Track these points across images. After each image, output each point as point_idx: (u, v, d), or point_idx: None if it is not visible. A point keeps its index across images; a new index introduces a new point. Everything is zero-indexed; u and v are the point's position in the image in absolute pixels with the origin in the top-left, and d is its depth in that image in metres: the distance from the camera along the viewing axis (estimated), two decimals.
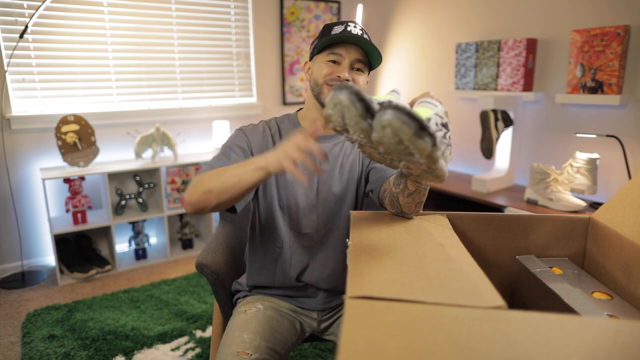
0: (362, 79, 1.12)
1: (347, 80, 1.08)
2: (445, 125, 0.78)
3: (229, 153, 1.09)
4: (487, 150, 2.30)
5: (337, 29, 1.09)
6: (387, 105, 0.66)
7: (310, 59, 1.17)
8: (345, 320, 0.50)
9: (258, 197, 1.17)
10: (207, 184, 0.93)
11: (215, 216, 2.91)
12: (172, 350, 1.80)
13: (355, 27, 1.10)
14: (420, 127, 0.64)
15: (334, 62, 1.09)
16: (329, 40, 1.07)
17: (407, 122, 0.63)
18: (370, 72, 1.17)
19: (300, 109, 1.24)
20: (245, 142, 1.12)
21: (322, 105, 1.13)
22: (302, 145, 0.81)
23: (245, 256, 1.30)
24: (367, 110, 0.70)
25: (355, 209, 1.19)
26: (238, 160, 1.07)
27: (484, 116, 2.28)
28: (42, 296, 2.27)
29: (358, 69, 1.11)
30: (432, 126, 0.74)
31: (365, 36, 1.10)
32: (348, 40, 1.07)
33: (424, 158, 0.68)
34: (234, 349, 1.00)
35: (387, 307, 0.54)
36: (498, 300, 0.55)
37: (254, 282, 1.22)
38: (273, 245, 1.17)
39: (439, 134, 0.74)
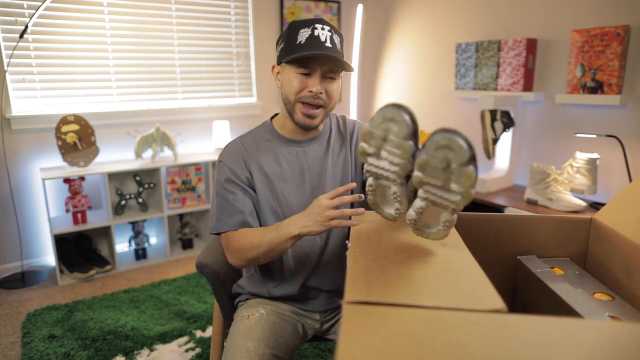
0: (335, 87, 1.09)
1: (320, 93, 1.05)
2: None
3: (231, 198, 1.10)
4: (485, 150, 2.29)
5: (304, 34, 1.03)
6: (445, 129, 0.64)
7: (278, 62, 1.12)
8: (342, 326, 0.50)
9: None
10: (250, 254, 1.04)
11: None
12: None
13: (323, 28, 1.04)
14: (473, 156, 0.63)
15: (304, 73, 1.06)
16: (297, 55, 1.02)
17: (464, 147, 0.62)
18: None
19: (276, 114, 1.21)
20: (233, 176, 1.11)
21: (294, 121, 1.11)
22: (332, 204, 0.92)
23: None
24: (415, 134, 0.69)
25: (351, 207, 1.18)
26: (243, 199, 1.10)
27: (481, 116, 2.28)
28: (42, 296, 2.27)
29: (330, 77, 1.07)
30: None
31: (335, 37, 1.06)
32: (317, 55, 1.02)
33: (461, 191, 0.64)
34: (238, 358, 1.00)
35: (385, 312, 0.53)
36: (498, 302, 0.55)
37: (256, 293, 1.21)
38: (272, 260, 1.16)
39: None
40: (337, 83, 1.10)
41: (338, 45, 1.07)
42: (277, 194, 1.12)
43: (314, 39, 1.03)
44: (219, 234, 1.11)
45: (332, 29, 1.06)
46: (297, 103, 1.08)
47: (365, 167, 0.77)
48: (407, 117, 0.69)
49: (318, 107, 1.08)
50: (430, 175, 0.67)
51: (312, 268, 1.16)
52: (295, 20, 1.08)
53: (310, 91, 1.05)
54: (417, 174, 0.68)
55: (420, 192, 0.70)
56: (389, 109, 0.70)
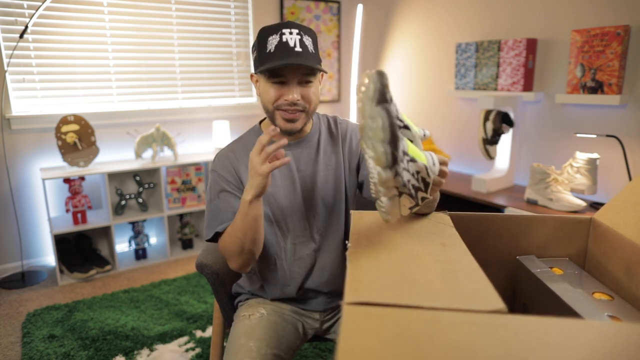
0: (312, 91, 1.06)
1: (298, 100, 1.03)
2: (424, 182, 0.77)
3: (223, 207, 1.09)
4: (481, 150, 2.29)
5: (273, 41, 1.01)
6: (385, 104, 0.67)
7: (255, 71, 1.09)
8: (342, 327, 0.50)
9: None
10: (235, 246, 1.03)
11: None
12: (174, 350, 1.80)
13: (291, 32, 1.01)
14: (391, 142, 0.65)
15: (279, 82, 1.03)
16: (267, 67, 1.00)
17: (385, 130, 0.65)
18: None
19: (265, 118, 1.20)
20: (226, 184, 1.11)
21: (281, 130, 1.08)
22: (260, 156, 0.92)
23: None
24: (383, 95, 0.71)
25: (347, 209, 1.18)
26: (234, 207, 1.09)
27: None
28: (42, 296, 2.27)
29: (307, 81, 1.05)
30: (411, 170, 0.74)
31: (306, 39, 1.03)
32: (287, 65, 0.99)
33: (377, 171, 0.68)
34: (240, 358, 1.00)
35: (385, 313, 0.53)
36: (498, 303, 0.55)
37: (257, 292, 1.21)
38: (267, 263, 1.16)
39: (411, 179, 0.74)
40: (314, 86, 1.07)
41: (310, 47, 1.04)
42: (269, 199, 1.12)
43: (282, 46, 1.00)
44: (210, 240, 1.11)
45: (302, 31, 1.03)
46: (276, 111, 1.06)
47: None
48: (377, 83, 0.71)
49: (298, 111, 1.06)
50: (365, 142, 0.71)
51: (309, 271, 1.16)
52: (264, 27, 1.05)
53: (286, 99, 1.04)
54: (363, 140, 0.72)
55: (367, 162, 0.74)
56: (365, 76, 0.73)
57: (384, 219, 0.75)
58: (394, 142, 0.67)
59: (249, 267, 1.09)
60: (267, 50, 1.02)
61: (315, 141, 1.17)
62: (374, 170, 0.69)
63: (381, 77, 0.71)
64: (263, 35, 1.04)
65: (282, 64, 0.98)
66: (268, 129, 0.92)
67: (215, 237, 1.09)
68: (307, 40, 1.04)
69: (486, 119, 2.24)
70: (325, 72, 1.07)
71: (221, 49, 3.02)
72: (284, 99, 1.04)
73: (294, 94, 1.03)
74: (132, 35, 2.70)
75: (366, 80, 0.71)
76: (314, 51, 1.05)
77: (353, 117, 3.55)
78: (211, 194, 1.12)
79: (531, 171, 2.04)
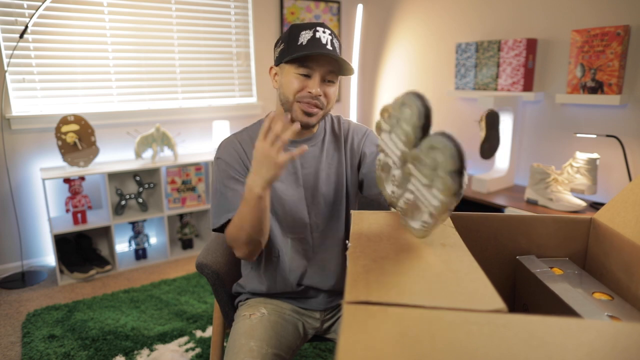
0: (332, 90, 1.09)
1: (319, 95, 1.06)
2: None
3: (230, 195, 1.09)
4: (491, 150, 2.29)
5: (306, 35, 1.05)
6: (445, 133, 0.65)
7: (277, 64, 1.12)
8: (342, 326, 0.50)
9: None
10: (241, 237, 1.02)
11: None
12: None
13: (324, 32, 1.06)
14: (459, 170, 0.63)
15: (304, 74, 1.06)
16: (299, 55, 1.04)
17: (455, 159, 0.62)
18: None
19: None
20: (232, 171, 1.11)
21: (292, 120, 1.10)
22: (275, 145, 0.91)
23: (242, 263, 1.29)
24: (424, 128, 0.69)
25: (347, 208, 1.18)
26: (242, 195, 1.08)
27: (492, 116, 2.26)
28: (42, 296, 2.27)
29: (329, 80, 1.08)
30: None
31: (335, 42, 1.08)
32: (319, 54, 1.04)
33: (440, 198, 0.65)
34: (241, 358, 1.00)
35: (385, 312, 0.53)
36: (498, 303, 0.55)
37: (255, 290, 1.21)
38: (270, 255, 1.17)
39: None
40: (335, 86, 1.11)
41: (338, 50, 1.09)
42: (271, 193, 1.12)
43: (315, 41, 1.04)
44: (217, 229, 1.11)
45: (333, 34, 1.08)
46: (296, 103, 1.08)
47: (379, 141, 0.81)
48: (422, 109, 0.69)
49: (317, 107, 1.09)
50: (420, 171, 0.68)
51: (308, 267, 1.16)
52: (296, 23, 1.09)
53: (309, 92, 1.06)
54: (409, 165, 0.70)
55: (410, 185, 0.72)
56: (409, 96, 0.71)
57: (421, 237, 0.73)
58: (463, 168, 0.63)
59: (255, 255, 1.09)
60: (299, 43, 1.05)
61: (320, 140, 1.19)
62: (435, 200, 0.66)
63: (422, 99, 0.69)
64: (295, 30, 1.07)
65: (316, 53, 1.03)
66: (282, 116, 0.92)
67: (222, 227, 1.09)
68: (336, 44, 1.09)
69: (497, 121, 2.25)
70: (353, 73, 1.09)
71: (221, 49, 3.02)
72: (307, 91, 1.06)
73: (317, 87, 1.06)
74: (132, 35, 2.70)
75: (405, 106, 0.70)
76: (340, 55, 1.09)
77: (353, 117, 3.55)
78: (217, 183, 1.12)
79: (531, 171, 2.04)
